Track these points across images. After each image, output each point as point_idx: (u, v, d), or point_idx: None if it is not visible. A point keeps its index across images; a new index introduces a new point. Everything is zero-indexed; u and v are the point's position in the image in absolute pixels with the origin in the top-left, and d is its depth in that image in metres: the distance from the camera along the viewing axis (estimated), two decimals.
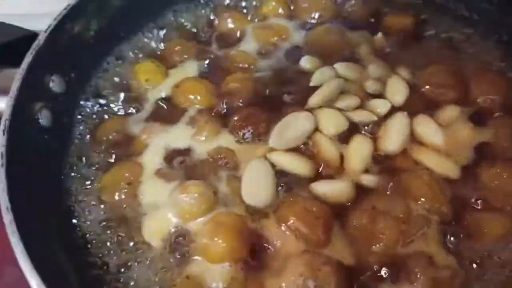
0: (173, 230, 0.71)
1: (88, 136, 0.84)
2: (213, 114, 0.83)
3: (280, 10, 0.99)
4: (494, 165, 0.74)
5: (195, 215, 0.71)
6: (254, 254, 0.67)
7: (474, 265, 0.66)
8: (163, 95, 0.88)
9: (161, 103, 0.86)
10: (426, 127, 0.78)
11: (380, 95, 0.82)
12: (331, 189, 0.72)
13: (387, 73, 0.85)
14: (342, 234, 0.69)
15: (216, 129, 0.80)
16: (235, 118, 0.80)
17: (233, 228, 0.68)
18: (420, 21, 0.96)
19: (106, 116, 0.87)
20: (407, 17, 0.96)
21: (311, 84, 0.83)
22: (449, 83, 0.83)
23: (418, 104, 0.81)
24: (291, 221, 0.68)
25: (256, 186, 0.72)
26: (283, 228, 0.69)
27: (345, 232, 0.69)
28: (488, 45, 0.90)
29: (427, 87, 0.83)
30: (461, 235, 0.68)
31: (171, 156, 0.79)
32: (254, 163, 0.74)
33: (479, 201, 0.72)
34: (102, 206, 0.76)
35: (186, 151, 0.79)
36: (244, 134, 0.79)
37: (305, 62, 0.88)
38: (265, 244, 0.68)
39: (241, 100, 0.83)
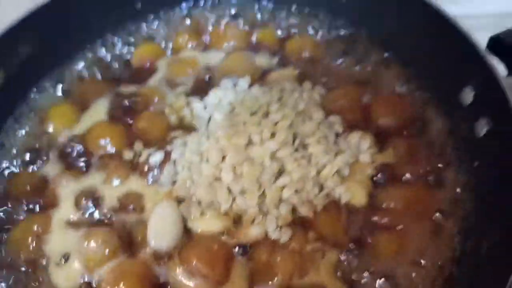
0: (81, 279, 0.73)
1: None
2: (123, 158, 0.85)
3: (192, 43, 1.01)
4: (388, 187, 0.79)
5: (99, 262, 0.73)
6: None
7: None
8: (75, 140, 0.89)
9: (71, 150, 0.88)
10: None
11: None
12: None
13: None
14: (242, 270, 0.72)
15: (126, 173, 0.83)
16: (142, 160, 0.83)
17: (137, 275, 0.70)
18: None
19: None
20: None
21: None
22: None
23: None
24: (193, 262, 0.71)
25: (161, 229, 0.75)
26: (185, 270, 0.72)
27: (245, 268, 0.72)
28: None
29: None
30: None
31: (81, 204, 0.81)
32: (160, 205, 0.77)
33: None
34: None
35: (97, 198, 0.81)
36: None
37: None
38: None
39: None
